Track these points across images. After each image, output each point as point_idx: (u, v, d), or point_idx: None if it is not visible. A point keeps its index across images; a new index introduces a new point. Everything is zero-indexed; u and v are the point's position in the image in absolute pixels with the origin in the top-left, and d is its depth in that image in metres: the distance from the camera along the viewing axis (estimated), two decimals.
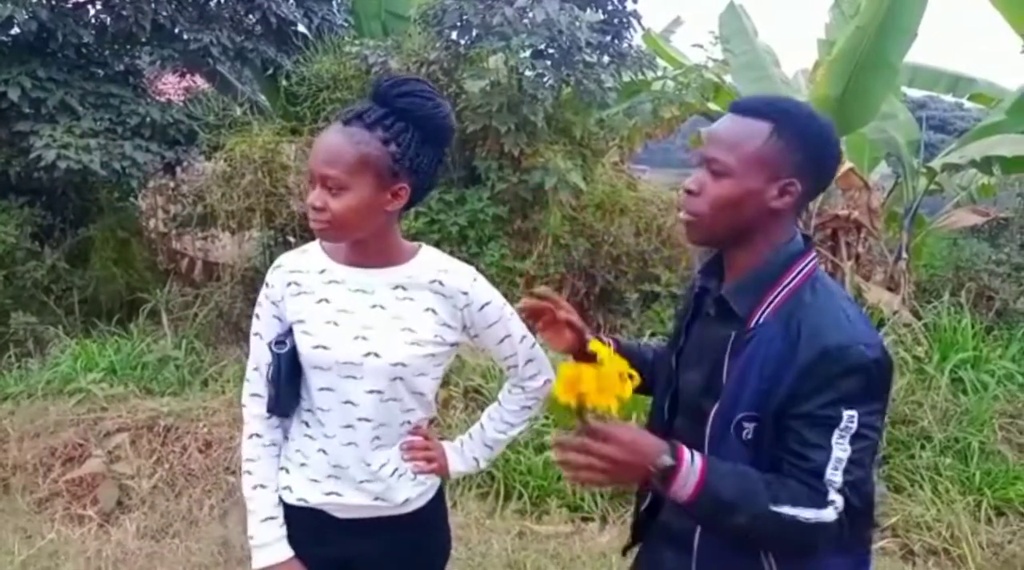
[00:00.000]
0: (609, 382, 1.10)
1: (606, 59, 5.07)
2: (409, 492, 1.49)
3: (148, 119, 5.32)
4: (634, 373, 1.14)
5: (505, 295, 1.56)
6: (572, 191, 4.82)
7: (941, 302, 4.91)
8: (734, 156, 1.21)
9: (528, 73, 4.78)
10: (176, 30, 5.45)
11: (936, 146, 8.94)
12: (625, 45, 5.15)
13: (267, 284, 1.48)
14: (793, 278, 1.23)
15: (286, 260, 1.49)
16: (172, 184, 6.16)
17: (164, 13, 5.30)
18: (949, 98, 8.04)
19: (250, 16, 5.82)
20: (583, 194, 5.03)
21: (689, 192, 1.26)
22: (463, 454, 1.61)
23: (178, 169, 5.92)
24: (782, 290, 1.22)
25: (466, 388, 3.78)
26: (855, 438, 1.14)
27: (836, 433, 1.13)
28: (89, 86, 5.29)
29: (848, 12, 6.04)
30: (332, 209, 1.34)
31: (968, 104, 8.73)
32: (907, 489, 3.48)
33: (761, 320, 1.22)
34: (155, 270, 6.01)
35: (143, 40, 5.47)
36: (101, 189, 5.74)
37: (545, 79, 4.80)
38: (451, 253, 1.54)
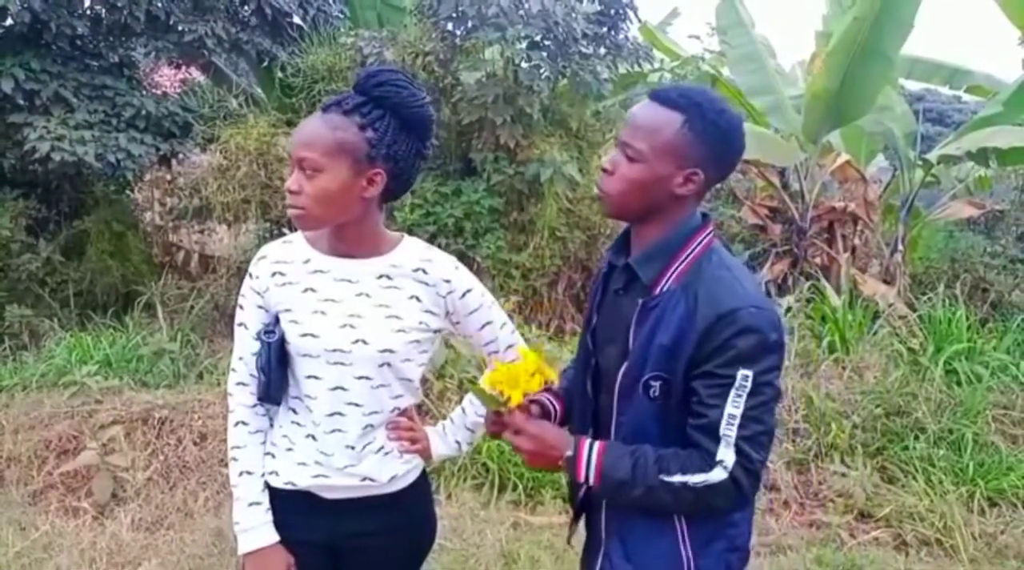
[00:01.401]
0: (517, 377, 1.34)
1: (602, 51, 5.06)
2: (396, 469, 1.51)
3: (143, 111, 5.30)
4: (545, 371, 1.39)
5: (500, 287, 1.58)
6: (568, 183, 4.82)
7: (936, 294, 4.92)
8: (647, 143, 1.30)
9: (524, 64, 4.77)
10: (171, 21, 5.42)
11: (934, 139, 8.94)
12: (621, 36, 5.14)
13: (251, 275, 1.49)
14: (693, 250, 1.34)
15: (270, 250, 1.50)
16: (168, 177, 6.15)
17: (158, 4, 5.27)
18: (947, 91, 8.04)
19: (245, 7, 5.79)
20: (579, 186, 5.02)
21: (604, 170, 1.36)
22: (446, 438, 1.64)
23: (173, 161, 5.91)
24: (683, 261, 1.33)
25: (461, 380, 3.78)
26: (751, 395, 1.24)
27: (732, 392, 1.24)
28: (83, 78, 5.27)
29: (845, 3, 6.03)
30: (307, 192, 1.36)
31: (966, 97, 8.73)
32: (900, 480, 3.50)
33: (665, 288, 1.33)
34: (151, 263, 5.99)
35: (138, 31, 5.44)
36: (96, 181, 5.73)
37: (541, 70, 4.79)
38: (447, 245, 1.56)
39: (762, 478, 1.34)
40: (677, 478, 1.26)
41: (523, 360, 1.39)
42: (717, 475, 1.25)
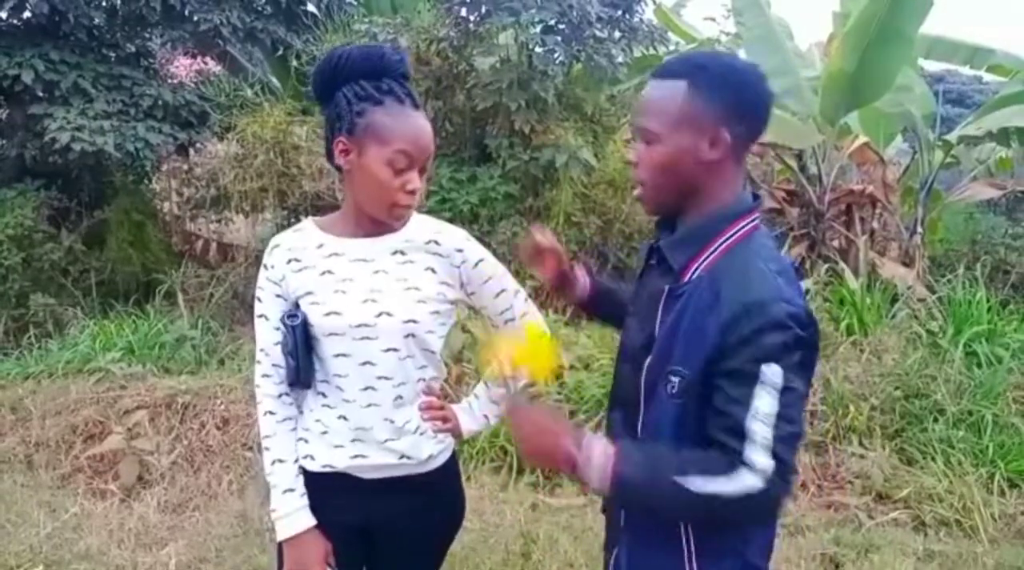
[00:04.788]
0: (538, 355, 1.32)
1: (617, 34, 5.02)
2: (432, 448, 1.54)
3: (160, 101, 5.36)
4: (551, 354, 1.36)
5: (517, 273, 1.61)
6: (583, 168, 4.80)
7: (956, 276, 4.87)
8: (658, 121, 1.23)
9: (538, 49, 4.75)
10: (186, 11, 5.47)
11: (955, 120, 8.81)
12: (636, 19, 5.09)
13: (266, 266, 1.51)
14: (731, 236, 1.24)
15: (282, 239, 1.52)
16: (186, 166, 6.22)
17: None
18: (967, 71, 7.90)
19: None
20: (594, 171, 5.01)
21: (630, 164, 1.29)
22: (473, 413, 1.67)
23: (191, 151, 5.96)
24: (718, 247, 1.23)
25: (478, 364, 3.81)
26: (781, 393, 1.13)
27: (760, 388, 1.13)
28: (102, 68, 5.33)
29: None
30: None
31: (987, 77, 8.58)
32: (919, 461, 3.49)
33: (695, 276, 1.23)
34: (170, 252, 6.08)
35: (153, 21, 5.49)
36: (116, 171, 5.80)
37: (555, 55, 4.77)
38: None
39: (792, 480, 1.17)
40: (698, 483, 1.13)
41: (536, 339, 1.37)
42: (752, 481, 1.12)
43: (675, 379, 1.20)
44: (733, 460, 1.13)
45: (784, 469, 1.13)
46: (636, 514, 1.32)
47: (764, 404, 1.12)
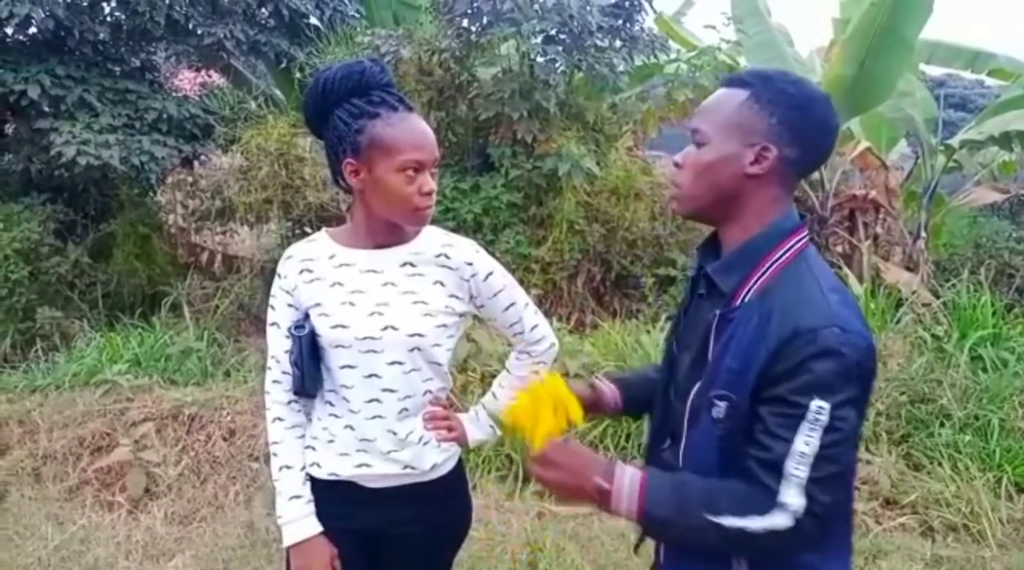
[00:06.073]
0: (538, 413, 1.23)
1: (618, 43, 5.06)
2: (436, 458, 1.55)
3: (165, 114, 5.39)
4: (571, 408, 1.26)
5: (520, 282, 1.62)
6: (586, 177, 4.83)
7: (960, 280, 4.87)
8: (710, 123, 1.20)
9: (540, 59, 4.78)
10: (190, 25, 5.51)
11: (957, 124, 8.82)
12: (637, 28, 5.13)
13: (279, 275, 1.53)
14: (781, 256, 1.18)
15: (296, 250, 1.54)
16: (190, 179, 6.24)
17: (178, 8, 5.35)
18: (969, 75, 7.91)
19: (263, 9, 5.86)
20: (597, 179, 5.03)
21: (676, 165, 1.25)
22: (479, 423, 1.68)
23: (195, 163, 6.00)
24: (769, 268, 1.18)
25: (483, 374, 3.81)
26: (826, 431, 1.07)
27: (804, 425, 1.07)
28: (106, 82, 5.37)
29: None
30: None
31: (989, 81, 8.60)
32: (926, 467, 3.48)
33: (746, 299, 1.17)
34: (176, 264, 6.09)
35: (158, 36, 5.53)
36: (121, 185, 5.83)
37: (557, 64, 4.80)
38: None
39: (830, 518, 1.13)
40: (729, 520, 1.10)
41: (546, 386, 1.27)
42: (781, 521, 1.08)
43: (722, 404, 1.15)
44: (769, 500, 1.09)
45: (815, 505, 1.08)
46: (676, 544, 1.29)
47: (806, 443, 1.07)
